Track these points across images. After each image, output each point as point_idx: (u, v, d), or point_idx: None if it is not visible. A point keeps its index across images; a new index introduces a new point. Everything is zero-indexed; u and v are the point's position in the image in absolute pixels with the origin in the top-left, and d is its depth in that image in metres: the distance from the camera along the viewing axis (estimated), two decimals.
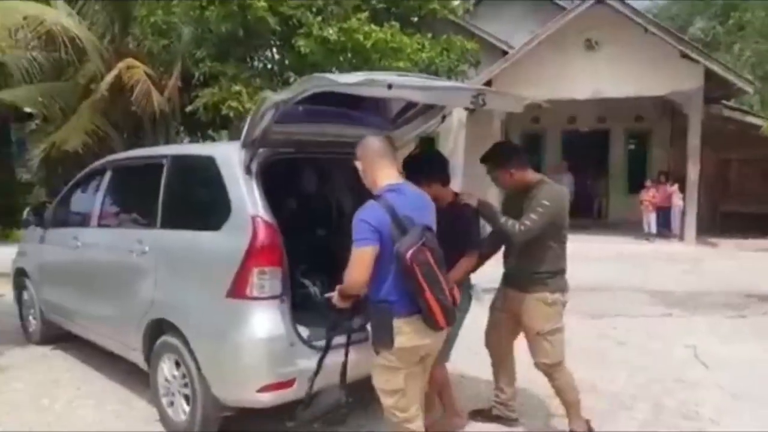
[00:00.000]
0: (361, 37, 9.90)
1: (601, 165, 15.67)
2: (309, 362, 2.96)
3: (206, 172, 3.36)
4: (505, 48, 14.01)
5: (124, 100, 10.50)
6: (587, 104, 13.27)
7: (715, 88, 12.01)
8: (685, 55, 11.64)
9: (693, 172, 11.96)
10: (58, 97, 10.92)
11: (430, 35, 11.06)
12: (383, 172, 2.56)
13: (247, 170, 3.12)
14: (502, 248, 3.47)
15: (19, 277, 5.30)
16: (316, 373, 2.74)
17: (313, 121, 3.46)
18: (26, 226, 5.19)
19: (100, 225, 4.18)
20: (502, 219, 3.17)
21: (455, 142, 14.38)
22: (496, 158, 3.37)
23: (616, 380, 4.47)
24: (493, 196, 11.59)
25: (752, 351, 5.20)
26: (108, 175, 4.27)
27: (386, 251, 2.38)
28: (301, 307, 3.47)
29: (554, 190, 3.27)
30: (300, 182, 4.30)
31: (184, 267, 3.37)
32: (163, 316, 3.38)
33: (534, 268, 3.27)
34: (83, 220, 4.38)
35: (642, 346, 5.36)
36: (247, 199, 3.05)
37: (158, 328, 3.44)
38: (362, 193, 4.24)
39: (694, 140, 11.92)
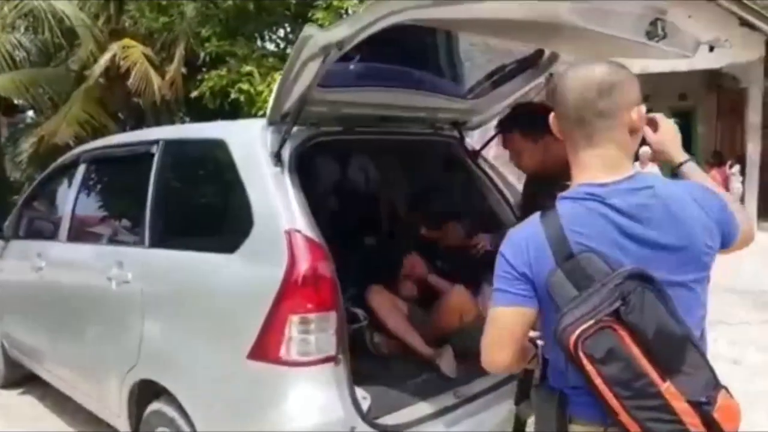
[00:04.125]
0: None
1: (641, 146, 14.46)
2: None
3: (214, 164, 2.29)
4: None
5: (122, 86, 9.42)
6: None
7: None
8: (744, 22, 10.36)
9: (754, 152, 10.74)
10: (46, 85, 9.81)
11: None
12: (578, 157, 1.26)
13: (277, 160, 2.02)
14: None
15: None
16: None
17: (365, 86, 2.36)
18: None
19: (70, 239, 3.07)
20: None
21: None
22: (527, 125, 2.27)
23: (759, 422, 3.37)
24: None
25: None
26: (81, 170, 3.14)
27: (549, 313, 1.22)
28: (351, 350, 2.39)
29: None
30: (344, 173, 3.18)
31: (182, 307, 2.26)
32: (154, 378, 2.29)
33: None
34: (50, 232, 3.28)
35: (764, 365, 4.24)
36: (279, 204, 1.95)
37: (149, 390, 2.35)
38: (422, 185, 3.24)
39: (754, 117, 10.71)
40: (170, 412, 2.22)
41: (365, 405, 2.04)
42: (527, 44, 2.35)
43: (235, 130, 2.35)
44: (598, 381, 1.10)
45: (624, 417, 1.11)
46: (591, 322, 1.10)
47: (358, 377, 2.18)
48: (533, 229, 1.22)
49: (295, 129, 2.09)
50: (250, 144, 2.10)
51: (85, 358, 2.85)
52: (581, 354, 1.10)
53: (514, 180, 2.90)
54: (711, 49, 2.21)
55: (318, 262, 1.87)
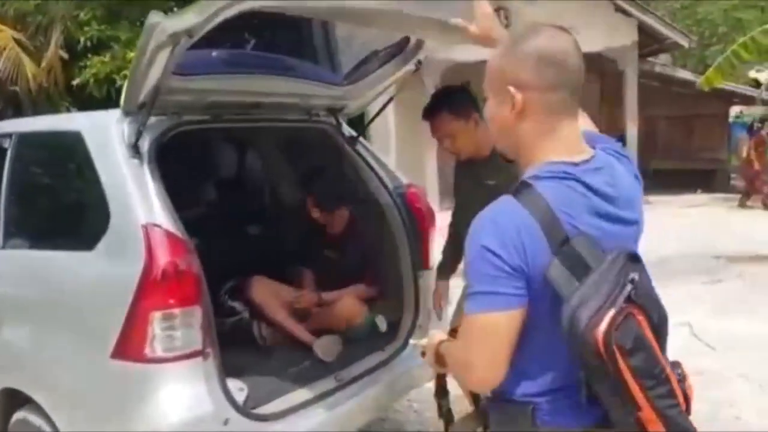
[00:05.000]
0: None
1: None
2: None
3: (70, 158, 2.17)
4: None
5: None
6: None
7: (649, 43, 11.71)
8: (619, 9, 11.13)
9: (632, 131, 11.67)
10: None
11: None
12: (556, 132, 1.11)
13: (134, 151, 1.96)
14: None
15: None
16: None
17: (233, 72, 2.33)
18: None
19: None
20: None
21: (384, 118, 13.30)
22: (455, 104, 2.30)
23: None
24: (432, 184, 10.55)
25: (748, 324, 4.63)
26: None
27: (540, 309, 1.06)
28: (230, 344, 2.37)
29: None
30: (219, 162, 3.12)
31: (41, 310, 2.14)
32: (15, 386, 2.17)
33: None
34: None
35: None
36: (135, 197, 1.89)
37: (12, 399, 2.22)
38: (303, 173, 3.22)
39: (631, 98, 11.60)
40: (36, 420, 2.11)
41: (242, 396, 2.06)
42: (382, 30, 2.40)
43: (92, 122, 2.24)
44: (627, 376, 0.99)
45: (647, 411, 1.01)
46: (614, 311, 0.99)
47: (238, 369, 2.19)
48: (518, 212, 1.03)
49: (155, 119, 2.03)
50: (105, 135, 2.02)
51: None
52: (614, 347, 0.97)
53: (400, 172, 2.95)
54: None
55: (179, 257, 1.83)
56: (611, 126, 13.24)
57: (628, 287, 1.02)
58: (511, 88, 1.08)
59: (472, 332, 1.07)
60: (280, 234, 3.04)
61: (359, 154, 2.83)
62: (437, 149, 12.91)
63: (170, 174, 2.03)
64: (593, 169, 1.10)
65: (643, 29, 11.26)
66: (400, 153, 9.45)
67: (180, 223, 1.90)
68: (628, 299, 1.01)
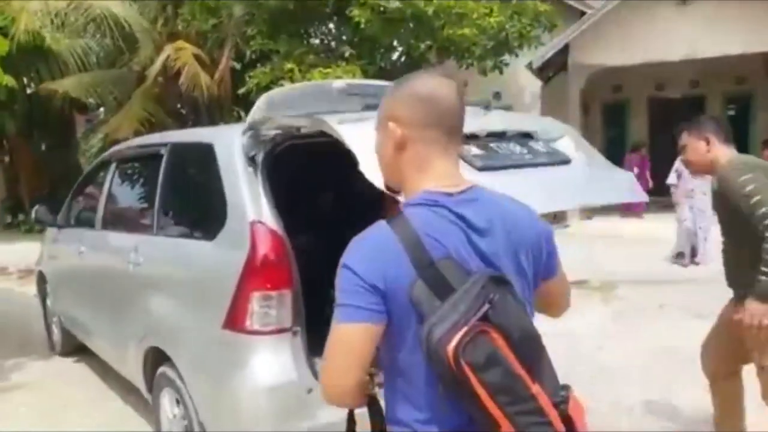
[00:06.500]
0: (421, 3, 9.06)
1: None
2: (333, 413, 2.24)
3: (203, 164, 2.65)
4: (583, 8, 12.64)
5: (177, 85, 10.13)
6: (678, 67, 11.70)
7: None
8: None
9: None
10: (111, 86, 10.69)
11: None
12: (431, 166, 1.18)
13: (250, 161, 2.38)
14: None
15: (41, 281, 4.87)
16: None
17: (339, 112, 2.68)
18: (39, 225, 4.74)
19: (103, 227, 3.58)
20: None
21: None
22: (695, 123, 2.57)
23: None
24: None
25: None
26: (112, 168, 3.66)
27: (406, 331, 1.12)
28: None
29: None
30: (334, 173, 3.50)
31: (177, 286, 2.68)
32: (159, 345, 2.72)
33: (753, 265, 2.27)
34: (88, 221, 3.81)
35: None
36: (247, 199, 2.30)
37: (158, 356, 2.78)
38: None
39: None
40: (171, 374, 2.64)
41: None
42: None
43: (221, 135, 2.72)
44: (481, 391, 1.02)
45: (506, 427, 1.04)
46: (465, 329, 1.03)
47: None
48: (384, 236, 1.11)
49: (272, 133, 2.43)
50: (230, 148, 2.46)
51: (113, 329, 3.34)
52: (463, 363, 1.02)
53: None
54: None
55: (276, 249, 2.21)
56: None
57: (485, 307, 1.06)
58: (391, 124, 1.18)
59: (331, 341, 1.12)
60: None
61: None
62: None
63: (294, 182, 2.40)
64: (467, 200, 1.16)
65: None
66: None
67: (281, 221, 2.27)
68: (484, 318, 1.05)
